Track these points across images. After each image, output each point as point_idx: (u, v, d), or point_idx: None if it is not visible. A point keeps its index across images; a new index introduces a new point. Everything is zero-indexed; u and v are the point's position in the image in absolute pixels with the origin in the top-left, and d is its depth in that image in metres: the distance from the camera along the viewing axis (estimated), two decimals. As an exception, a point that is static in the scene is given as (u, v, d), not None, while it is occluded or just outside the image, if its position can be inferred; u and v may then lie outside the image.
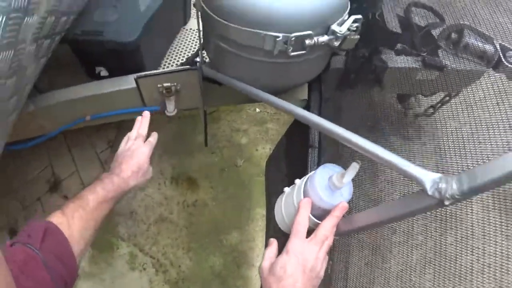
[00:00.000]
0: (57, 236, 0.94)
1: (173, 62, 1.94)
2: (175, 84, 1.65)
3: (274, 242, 1.05)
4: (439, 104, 1.54)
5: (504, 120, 0.98)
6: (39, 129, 1.72)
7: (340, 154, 1.64)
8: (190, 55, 1.94)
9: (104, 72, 1.72)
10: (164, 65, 1.93)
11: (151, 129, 1.36)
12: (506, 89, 1.04)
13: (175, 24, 2.10)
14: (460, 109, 1.18)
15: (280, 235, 1.41)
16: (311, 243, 0.97)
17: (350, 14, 1.50)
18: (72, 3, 1.26)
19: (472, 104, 1.17)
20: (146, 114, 1.41)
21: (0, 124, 1.12)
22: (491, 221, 1.00)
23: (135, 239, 2.45)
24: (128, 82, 1.63)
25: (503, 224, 0.98)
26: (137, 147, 1.31)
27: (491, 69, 1.64)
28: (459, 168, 1.02)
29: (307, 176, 1.07)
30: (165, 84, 1.63)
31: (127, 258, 2.40)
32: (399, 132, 1.51)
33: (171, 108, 1.72)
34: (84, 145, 2.67)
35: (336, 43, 1.28)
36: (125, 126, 2.50)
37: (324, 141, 1.63)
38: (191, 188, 2.65)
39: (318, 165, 1.45)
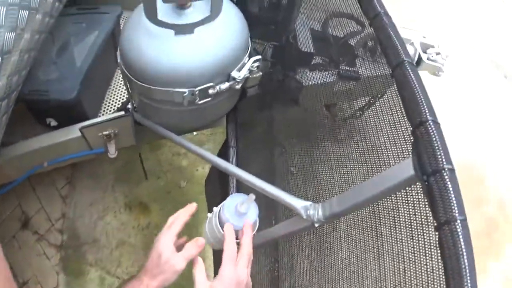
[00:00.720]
0: None
1: (112, 104, 2.09)
2: (113, 130, 1.82)
3: (199, 261, 1.11)
4: (366, 107, 1.55)
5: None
6: (6, 177, 1.87)
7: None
8: (125, 97, 2.11)
9: (53, 122, 1.87)
10: (105, 107, 2.07)
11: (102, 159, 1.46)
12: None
13: (110, 67, 2.24)
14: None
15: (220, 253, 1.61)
16: (240, 264, 1.04)
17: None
18: (20, 62, 1.34)
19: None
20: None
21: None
22: (352, 236, 1.24)
23: (101, 264, 2.60)
24: (74, 132, 1.79)
25: (361, 238, 1.21)
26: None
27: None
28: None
29: (222, 203, 1.23)
30: (104, 132, 1.80)
31: (97, 281, 2.56)
32: (331, 136, 1.58)
33: (112, 151, 1.88)
34: (45, 183, 2.77)
35: (238, 86, 1.48)
36: (80, 163, 2.69)
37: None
38: (144, 212, 2.82)
39: (237, 189, 1.64)
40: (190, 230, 2.71)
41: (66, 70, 1.80)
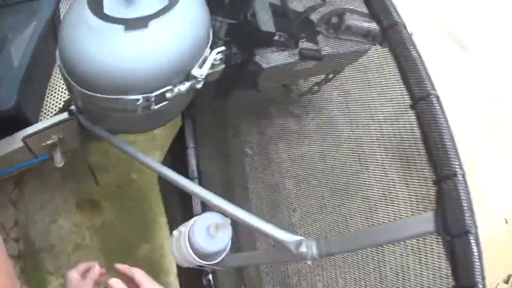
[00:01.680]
0: None
1: (55, 102, 1.93)
2: (58, 136, 1.68)
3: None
4: (324, 82, 1.62)
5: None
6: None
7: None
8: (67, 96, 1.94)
9: (-11, 132, 1.70)
10: (45, 108, 1.91)
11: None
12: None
13: (50, 60, 1.97)
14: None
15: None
16: None
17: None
18: None
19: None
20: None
21: None
22: (350, 275, 1.19)
23: (61, 270, 2.52)
24: (16, 142, 1.64)
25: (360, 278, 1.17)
26: None
27: (378, 45, 1.70)
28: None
29: (190, 222, 1.16)
30: (48, 142, 1.66)
31: (59, 290, 2.49)
32: (287, 112, 1.64)
33: (58, 159, 1.74)
34: (-6, 188, 2.66)
35: (199, 85, 1.25)
36: None
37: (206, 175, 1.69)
38: (96, 211, 2.71)
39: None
40: (146, 222, 2.73)
41: (2, 73, 1.59)
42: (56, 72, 2.02)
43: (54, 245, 2.58)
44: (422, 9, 4.54)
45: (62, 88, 1.97)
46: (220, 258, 1.20)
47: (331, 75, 1.57)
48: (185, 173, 1.66)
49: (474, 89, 4.05)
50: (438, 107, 0.82)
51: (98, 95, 1.17)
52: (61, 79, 1.99)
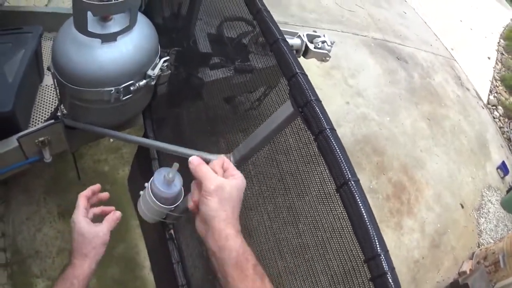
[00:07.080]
0: None
1: (39, 116, 2.25)
2: (47, 137, 1.98)
3: (199, 161, 1.06)
4: (263, 97, 1.75)
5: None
6: None
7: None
8: (52, 109, 2.28)
9: (-14, 136, 1.96)
10: (33, 121, 2.26)
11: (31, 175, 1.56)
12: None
13: (35, 82, 2.38)
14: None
15: (153, 234, 1.79)
16: (230, 167, 1.04)
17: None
18: None
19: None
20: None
21: None
22: (260, 173, 1.47)
23: (46, 273, 2.68)
24: (12, 143, 1.92)
25: (266, 170, 1.45)
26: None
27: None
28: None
29: (151, 179, 1.37)
30: (40, 139, 1.96)
31: (46, 291, 2.61)
32: (235, 127, 1.74)
33: (47, 156, 2.04)
34: (-20, 205, 2.80)
35: (153, 83, 1.76)
36: (12, 181, 2.82)
37: (161, 154, 2.00)
38: None
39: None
40: (119, 225, 2.81)
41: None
42: (39, 94, 2.38)
43: (39, 251, 2.75)
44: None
45: (45, 105, 2.34)
46: (177, 204, 1.38)
47: (268, 90, 1.64)
48: (148, 164, 2.01)
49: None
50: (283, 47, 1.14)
51: (83, 88, 1.65)
52: (43, 99, 2.37)
